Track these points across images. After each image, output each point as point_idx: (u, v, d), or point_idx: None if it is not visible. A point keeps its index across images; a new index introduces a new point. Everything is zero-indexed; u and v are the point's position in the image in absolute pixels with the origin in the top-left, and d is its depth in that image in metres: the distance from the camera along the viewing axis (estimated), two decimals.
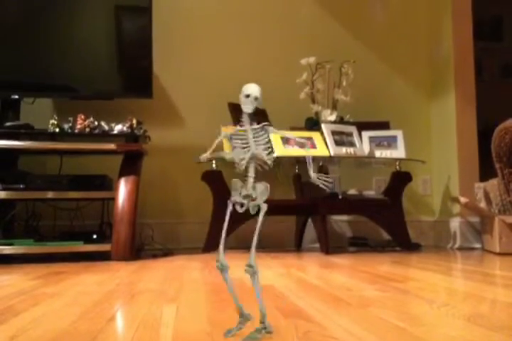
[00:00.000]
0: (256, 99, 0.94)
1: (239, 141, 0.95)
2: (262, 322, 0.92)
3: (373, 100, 3.51)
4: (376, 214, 3.05)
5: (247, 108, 0.94)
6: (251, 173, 0.93)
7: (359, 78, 3.19)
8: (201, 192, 3.04)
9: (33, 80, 2.90)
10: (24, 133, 2.61)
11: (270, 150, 0.95)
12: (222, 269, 0.94)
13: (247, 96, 0.94)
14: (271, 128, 0.96)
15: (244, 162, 0.93)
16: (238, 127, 0.95)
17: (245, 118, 0.95)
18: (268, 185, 0.92)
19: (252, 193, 0.92)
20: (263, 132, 0.95)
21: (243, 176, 0.93)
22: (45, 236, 2.73)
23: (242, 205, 0.93)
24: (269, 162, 0.93)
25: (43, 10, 2.91)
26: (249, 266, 0.90)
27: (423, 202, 3.62)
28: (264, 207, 0.91)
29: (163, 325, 1.05)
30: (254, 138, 0.94)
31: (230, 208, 0.92)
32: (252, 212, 0.92)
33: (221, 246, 0.94)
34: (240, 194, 0.92)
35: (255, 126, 0.95)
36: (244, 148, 0.94)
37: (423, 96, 3.68)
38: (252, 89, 0.95)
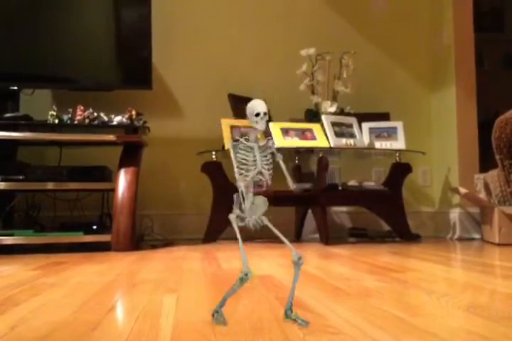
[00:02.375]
0: (265, 114, 0.94)
1: (245, 157, 0.95)
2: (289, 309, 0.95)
3: (373, 91, 3.50)
4: (376, 205, 3.06)
5: (261, 126, 0.94)
6: (251, 189, 0.94)
7: (359, 69, 3.18)
8: (201, 183, 3.05)
9: (32, 71, 2.89)
10: (23, 125, 2.60)
11: (271, 171, 0.96)
12: (246, 279, 0.93)
13: (257, 114, 0.94)
14: (271, 142, 0.98)
15: (248, 179, 0.94)
16: (243, 139, 0.96)
17: (254, 135, 0.96)
18: (266, 199, 0.95)
19: (251, 208, 0.94)
20: (268, 151, 0.97)
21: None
22: (45, 227, 2.73)
23: (242, 220, 0.94)
24: (269, 182, 0.95)
25: (41, 0, 2.89)
26: (299, 258, 0.93)
27: (423, 193, 3.62)
28: (265, 220, 0.94)
29: (163, 315, 1.05)
30: (260, 155, 0.95)
31: (235, 223, 0.94)
32: (253, 227, 0.94)
33: (244, 256, 0.92)
34: (240, 208, 0.94)
35: (262, 143, 0.96)
36: (251, 164, 0.95)
37: (423, 88, 3.67)
38: (259, 106, 0.94)
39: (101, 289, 1.40)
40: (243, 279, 0.91)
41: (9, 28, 2.87)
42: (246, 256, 0.91)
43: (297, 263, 0.93)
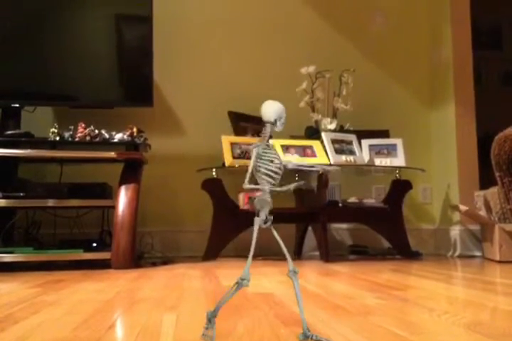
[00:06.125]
0: (273, 124, 0.96)
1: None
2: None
3: (373, 108, 3.52)
4: (376, 222, 3.05)
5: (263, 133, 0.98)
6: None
7: (359, 87, 3.21)
8: (201, 200, 3.05)
9: (34, 89, 2.91)
10: (24, 142, 2.61)
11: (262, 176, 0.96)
12: (245, 285, 0.89)
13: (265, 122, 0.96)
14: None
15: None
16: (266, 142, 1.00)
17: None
18: (264, 198, 0.95)
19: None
20: (268, 157, 0.99)
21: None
22: (45, 244, 2.72)
23: (265, 222, 0.93)
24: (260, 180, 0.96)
25: (44, 19, 2.93)
26: (292, 270, 0.93)
27: (423, 210, 3.62)
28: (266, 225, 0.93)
29: (163, 333, 1.05)
30: (262, 156, 0.98)
31: (257, 225, 0.92)
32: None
33: (249, 260, 0.89)
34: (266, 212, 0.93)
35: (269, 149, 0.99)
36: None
37: (423, 105, 3.69)
38: (266, 113, 0.98)
39: (101, 307, 1.39)
40: (239, 284, 0.87)
41: (11, 46, 2.89)
42: (250, 261, 0.89)
43: (293, 274, 0.92)
